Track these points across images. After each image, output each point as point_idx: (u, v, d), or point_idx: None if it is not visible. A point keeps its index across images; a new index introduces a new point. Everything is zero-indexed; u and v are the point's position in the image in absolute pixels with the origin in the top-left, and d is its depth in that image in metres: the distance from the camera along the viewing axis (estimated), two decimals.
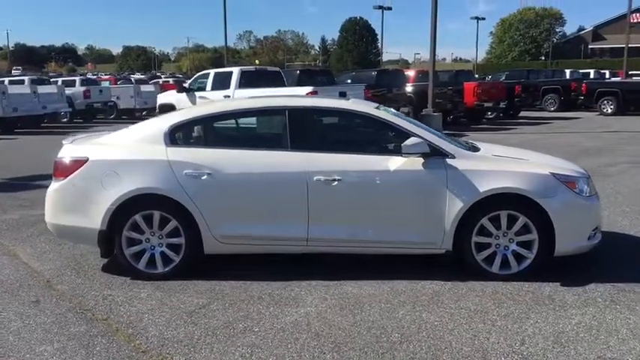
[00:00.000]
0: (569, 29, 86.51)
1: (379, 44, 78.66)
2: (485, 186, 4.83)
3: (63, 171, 5.20)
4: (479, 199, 4.84)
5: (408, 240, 5.01)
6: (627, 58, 60.69)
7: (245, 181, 4.99)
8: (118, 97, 26.00)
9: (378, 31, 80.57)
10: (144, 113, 27.70)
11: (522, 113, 24.00)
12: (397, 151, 4.97)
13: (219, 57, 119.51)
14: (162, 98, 17.00)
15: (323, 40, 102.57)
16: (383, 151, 5.11)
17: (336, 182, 4.90)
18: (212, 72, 15.98)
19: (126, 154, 5.14)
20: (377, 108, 5.40)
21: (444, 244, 4.96)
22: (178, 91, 16.06)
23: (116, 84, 30.01)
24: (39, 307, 4.58)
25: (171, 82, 37.41)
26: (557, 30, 78.95)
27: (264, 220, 5.04)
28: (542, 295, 4.62)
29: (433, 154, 4.91)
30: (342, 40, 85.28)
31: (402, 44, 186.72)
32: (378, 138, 5.28)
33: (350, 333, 4.02)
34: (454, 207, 4.86)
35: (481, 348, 3.77)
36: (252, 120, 5.62)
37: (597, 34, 77.14)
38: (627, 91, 23.45)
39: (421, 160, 4.91)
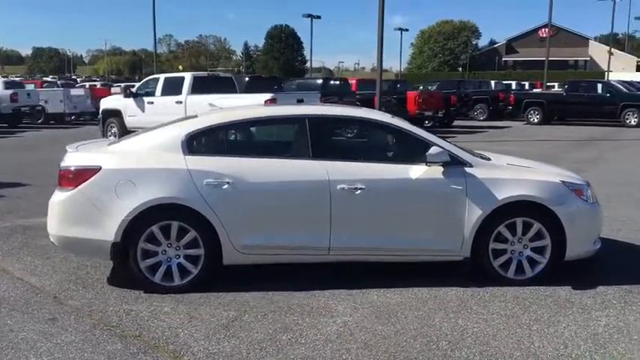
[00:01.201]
0: (484, 42, 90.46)
1: (305, 52, 79.22)
2: (503, 194, 5.01)
3: (71, 180, 4.95)
4: (497, 206, 5.00)
5: (428, 248, 5.11)
6: (539, 70, 64.00)
7: (267, 190, 4.93)
8: (46, 101, 24.79)
9: (303, 39, 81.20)
10: (72, 118, 26.61)
11: (455, 122, 24.89)
12: (417, 160, 5.06)
13: (138, 60, 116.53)
14: (107, 103, 16.38)
15: (246, 46, 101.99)
16: (403, 159, 5.17)
17: (359, 191, 4.93)
18: (162, 77, 15.56)
19: (141, 162, 4.96)
20: (392, 117, 5.49)
21: (462, 251, 5.09)
22: (125, 96, 15.53)
23: (42, 87, 28.58)
24: (59, 325, 4.33)
25: (98, 85, 36.24)
26: (473, 42, 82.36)
27: (286, 230, 4.99)
28: (560, 299, 4.83)
29: (453, 163, 5.05)
30: (268, 47, 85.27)
31: (324, 53, 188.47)
32: (398, 147, 5.35)
33: (397, 342, 4.06)
34: (473, 215, 5.00)
35: (530, 353, 3.89)
36: (272, 128, 5.57)
37: (510, 47, 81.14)
38: (551, 102, 24.84)
39: (441, 169, 5.02)
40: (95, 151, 5.16)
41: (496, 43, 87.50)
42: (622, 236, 6.76)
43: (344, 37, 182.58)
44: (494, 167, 5.25)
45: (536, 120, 24.85)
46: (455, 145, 5.41)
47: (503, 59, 79.41)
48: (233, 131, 5.29)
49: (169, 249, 4.96)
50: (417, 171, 5.03)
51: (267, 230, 4.97)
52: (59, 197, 5.00)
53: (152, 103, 15.10)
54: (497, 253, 5.12)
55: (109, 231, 4.85)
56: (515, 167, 5.40)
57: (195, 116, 5.37)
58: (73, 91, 26.27)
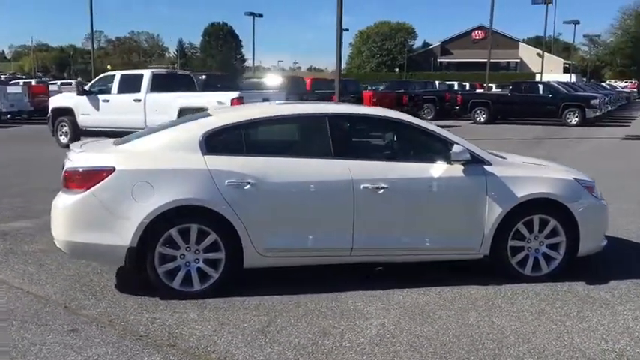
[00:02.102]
0: (420, 43, 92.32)
1: (243, 51, 78.54)
2: (522, 192, 5.07)
3: (81, 182, 4.66)
4: (516, 204, 5.06)
5: (450, 246, 5.11)
6: (473, 71, 65.74)
7: (290, 190, 4.80)
8: None
9: (241, 37, 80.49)
10: (9, 117, 25.31)
11: None
12: (438, 159, 5.06)
13: (66, 57, 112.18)
14: (57, 101, 15.66)
15: (180, 43, 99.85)
16: (424, 158, 5.14)
17: (382, 190, 4.87)
18: (118, 74, 14.99)
19: (158, 163, 4.72)
20: (410, 116, 5.46)
21: (482, 248, 5.12)
22: (79, 94, 14.87)
23: None
24: (83, 337, 4.05)
25: (33, 82, 34.62)
26: (409, 43, 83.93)
27: (309, 231, 4.88)
28: (580, 294, 4.93)
29: (473, 162, 5.07)
30: (206, 45, 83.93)
31: (261, 51, 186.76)
32: (419, 145, 5.32)
33: (442, 342, 4.02)
34: (493, 212, 5.04)
35: (576, 349, 3.93)
36: (291, 127, 5.42)
37: (445, 48, 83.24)
38: (497, 102, 25.60)
39: (461, 167, 5.04)
40: (106, 151, 4.88)
41: (431, 44, 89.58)
42: None
43: (281, 36, 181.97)
44: (512, 165, 5.32)
45: (482, 119, 25.53)
46: (472, 144, 5.44)
47: (439, 60, 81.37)
48: (252, 130, 5.12)
49: (188, 253, 4.75)
50: (438, 170, 5.02)
51: (289, 232, 4.84)
52: (67, 200, 4.69)
53: (108, 101, 14.54)
54: (514, 250, 5.18)
55: (124, 235, 4.59)
56: (531, 165, 5.49)
57: (210, 115, 5.16)
58: (10, 89, 24.99)
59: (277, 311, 4.53)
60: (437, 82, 31.87)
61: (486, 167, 5.10)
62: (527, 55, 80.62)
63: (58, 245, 4.86)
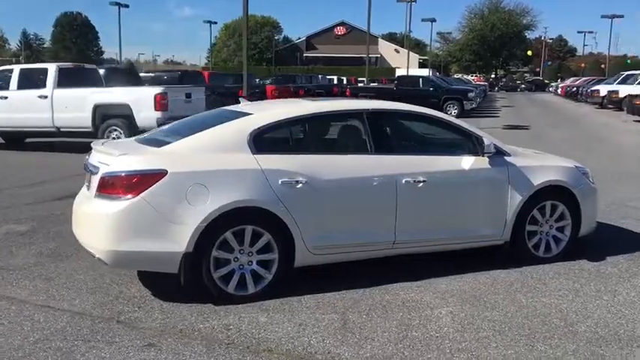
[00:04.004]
0: (286, 38, 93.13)
1: (100, 42, 74.41)
2: (538, 179, 5.48)
3: (129, 187, 4.35)
4: (534, 191, 5.47)
5: (479, 234, 5.40)
6: (338, 66, 67.54)
7: (339, 187, 4.81)
8: None
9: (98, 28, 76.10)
10: None
11: None
12: (466, 151, 5.32)
13: None
14: None
15: (25, 34, 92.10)
16: (455, 151, 5.35)
17: (421, 184, 5.04)
18: (16, 68, 13.67)
19: (211, 164, 4.52)
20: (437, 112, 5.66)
21: (504, 235, 5.46)
22: None
23: None
24: (167, 350, 3.81)
25: None
26: (276, 38, 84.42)
27: (355, 226, 4.92)
28: (594, 271, 5.40)
29: (497, 153, 5.40)
30: (58, 36, 78.23)
31: (117, 43, 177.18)
32: (449, 139, 5.51)
33: (518, 324, 4.24)
34: (515, 200, 5.40)
35: (635, 320, 4.36)
36: (331, 123, 5.38)
37: (310, 43, 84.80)
38: (384, 95, 26.64)
39: (487, 159, 5.34)
40: (153, 154, 4.57)
41: (292, 40, 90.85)
42: None
43: (141, 29, 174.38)
44: (526, 156, 5.72)
45: None
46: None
47: (305, 55, 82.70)
48: (296, 127, 5.04)
49: (241, 255, 4.61)
50: (468, 162, 5.28)
51: (338, 228, 4.85)
52: (112, 207, 4.35)
53: (6, 98, 13.28)
54: (530, 234, 5.59)
55: (180, 241, 4.36)
56: (540, 155, 5.94)
57: (249, 113, 4.99)
58: None
59: (341, 308, 4.54)
60: (320, 76, 32.48)
61: (507, 158, 5.45)
62: (386, 50, 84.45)
63: (99, 257, 4.48)
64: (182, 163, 4.47)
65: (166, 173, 4.36)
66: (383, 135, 5.19)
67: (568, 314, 4.46)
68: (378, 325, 4.23)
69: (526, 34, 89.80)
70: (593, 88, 36.04)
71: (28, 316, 4.33)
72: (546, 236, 5.67)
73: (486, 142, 5.25)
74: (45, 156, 13.41)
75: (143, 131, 12.20)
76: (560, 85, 55.17)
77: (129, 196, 4.33)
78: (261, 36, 79.93)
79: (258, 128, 4.75)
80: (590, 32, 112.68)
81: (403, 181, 4.97)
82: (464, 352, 3.84)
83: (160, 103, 12.32)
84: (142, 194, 4.32)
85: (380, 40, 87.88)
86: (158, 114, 12.33)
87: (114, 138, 12.76)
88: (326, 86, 28.70)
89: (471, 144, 5.35)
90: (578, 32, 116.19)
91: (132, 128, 12.52)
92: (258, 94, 18.64)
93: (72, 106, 12.82)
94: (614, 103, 31.42)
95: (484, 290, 4.94)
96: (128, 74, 16.67)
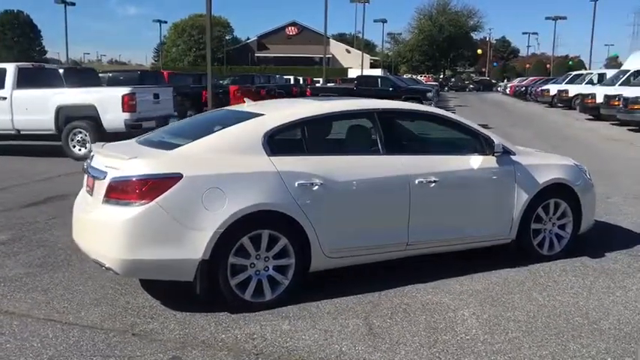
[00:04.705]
0: (236, 38, 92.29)
1: (43, 42, 71.97)
2: (543, 178, 5.51)
3: (142, 192, 4.12)
4: (539, 190, 5.49)
5: (487, 233, 5.38)
6: (290, 66, 67.36)
7: (354, 188, 4.70)
8: None
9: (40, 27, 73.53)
10: None
11: None
12: (474, 151, 5.29)
13: None
14: None
15: None
16: (463, 151, 5.31)
17: (433, 184, 4.99)
18: None
19: (227, 167, 4.33)
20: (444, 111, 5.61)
21: (511, 233, 5.47)
22: None
23: None
24: None
25: None
26: (226, 38, 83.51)
27: (370, 228, 4.82)
28: (597, 268, 5.46)
29: (504, 152, 5.39)
30: None
31: (61, 43, 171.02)
32: (458, 139, 5.45)
33: (544, 324, 4.22)
34: (521, 199, 5.41)
35: None
36: (342, 123, 5.24)
37: (261, 43, 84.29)
38: (343, 94, 26.69)
39: (494, 158, 5.32)
40: (165, 157, 4.34)
41: (242, 40, 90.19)
42: None
43: (83, 27, 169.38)
44: (530, 154, 5.74)
45: None
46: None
47: (256, 55, 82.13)
48: (309, 128, 4.88)
49: (258, 261, 4.44)
50: (476, 161, 5.25)
51: (353, 231, 4.74)
52: (124, 214, 4.12)
53: None
54: (535, 233, 5.61)
55: (197, 247, 4.16)
56: (541, 154, 5.97)
57: (261, 114, 4.82)
58: None
59: (362, 312, 4.43)
60: (277, 76, 32.26)
61: (512, 157, 5.46)
62: (338, 51, 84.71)
63: (110, 266, 4.23)
64: (197, 167, 4.27)
65: (181, 177, 4.16)
66: (394, 135, 5.11)
67: (588, 312, 4.48)
68: (405, 330, 4.14)
69: (472, 35, 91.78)
70: (543, 87, 37.11)
71: (34, 332, 4.05)
72: (550, 234, 5.70)
73: (496, 141, 5.24)
74: (5, 160, 12.77)
75: (111, 133, 11.91)
76: (508, 85, 56.56)
77: (142, 201, 4.10)
78: (212, 36, 78.87)
79: (273, 129, 4.59)
80: (534, 33, 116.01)
81: (416, 182, 4.91)
82: (499, 354, 3.79)
83: (128, 104, 11.91)
84: (157, 199, 4.10)
85: (331, 40, 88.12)
86: (126, 115, 11.93)
87: (79, 141, 12.31)
88: (285, 86, 28.51)
89: (478, 143, 5.33)
90: (523, 33, 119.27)
91: (98, 130, 12.08)
92: (220, 95, 18.26)
93: (33, 107, 12.27)
94: (563, 102, 32.44)
95: (498, 290, 4.92)
96: (88, 73, 16.04)
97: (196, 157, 4.37)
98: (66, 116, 12.26)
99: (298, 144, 4.78)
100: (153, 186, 4.12)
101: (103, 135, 12.12)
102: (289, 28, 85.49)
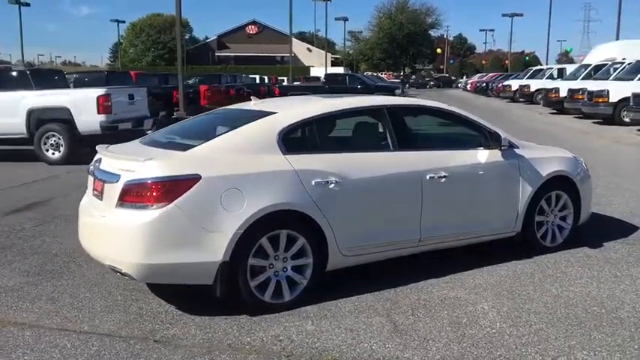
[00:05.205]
0: (196, 37, 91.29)
1: None
2: (546, 170, 5.57)
3: (160, 195, 4.00)
4: (542, 182, 5.56)
5: (495, 227, 5.41)
6: (251, 65, 66.81)
7: (369, 185, 4.67)
8: None
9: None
10: None
11: None
12: (481, 146, 5.31)
13: None
14: None
15: None
16: (470, 145, 5.31)
17: (443, 179, 4.99)
18: None
19: (244, 167, 4.24)
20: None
21: (516, 226, 5.52)
22: None
23: None
24: None
25: None
26: (186, 37, 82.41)
27: (384, 225, 4.80)
28: (599, 258, 5.55)
29: (509, 146, 5.44)
30: None
31: (8, 45, 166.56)
32: (465, 134, 5.46)
33: (565, 315, 4.26)
34: (526, 191, 5.46)
35: None
36: (355, 120, 5.19)
37: (222, 42, 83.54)
38: (314, 93, 26.66)
39: (499, 152, 5.36)
40: (182, 158, 4.21)
41: (200, 39, 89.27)
42: None
43: (36, 28, 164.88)
44: (532, 147, 5.79)
45: None
46: None
47: (217, 54, 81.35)
48: (322, 125, 4.81)
49: (276, 262, 4.37)
50: (482, 155, 5.27)
51: (368, 228, 4.71)
52: (141, 217, 3.99)
53: None
54: (538, 225, 5.68)
55: (217, 250, 4.07)
56: (542, 147, 6.04)
57: (275, 112, 4.73)
58: None
59: (382, 310, 4.40)
60: (243, 76, 32.01)
61: (516, 150, 5.51)
62: (299, 49, 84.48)
63: (124, 271, 4.10)
64: (215, 167, 4.17)
65: (200, 178, 4.06)
66: (404, 130, 5.10)
67: (603, 301, 4.55)
68: (430, 326, 4.13)
69: (431, 32, 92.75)
70: (505, 83, 37.84)
71: (50, 343, 3.90)
72: (552, 226, 5.78)
73: (503, 135, 5.28)
74: None
75: (87, 136, 11.58)
76: (469, 81, 57.44)
77: (160, 204, 3.99)
78: (171, 35, 77.73)
79: (287, 127, 4.52)
80: (491, 30, 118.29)
81: (427, 177, 4.90)
82: (528, 346, 3.81)
83: (104, 105, 11.60)
84: (175, 202, 3.99)
85: (293, 39, 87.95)
86: (102, 117, 11.63)
87: (52, 144, 11.96)
88: (253, 85, 28.28)
89: (484, 138, 5.36)
90: (481, 30, 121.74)
91: (72, 133, 11.76)
92: (191, 95, 18.00)
93: (2, 111, 11.85)
94: (525, 96, 33.15)
95: (511, 283, 4.96)
96: (55, 74, 15.58)
97: (213, 157, 4.27)
98: (38, 119, 11.88)
99: (312, 142, 4.72)
100: (171, 188, 4.00)
101: (77, 138, 11.83)
102: (250, 27, 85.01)
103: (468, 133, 5.42)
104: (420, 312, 4.37)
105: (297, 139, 4.59)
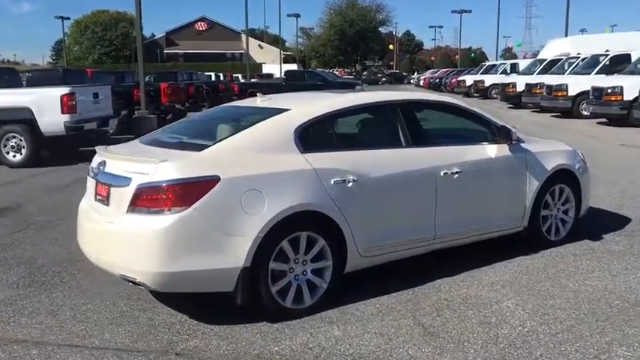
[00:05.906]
0: (144, 34, 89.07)
1: None
2: (550, 164, 5.54)
3: (178, 198, 3.74)
4: (547, 176, 5.52)
5: (505, 222, 5.33)
6: (201, 62, 65.76)
7: (386, 183, 4.51)
8: None
9: None
10: None
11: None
12: (490, 141, 5.24)
13: None
14: None
15: None
16: (480, 140, 5.22)
17: (456, 175, 4.88)
18: None
19: (263, 167, 4.01)
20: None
21: (523, 221, 5.47)
22: None
23: None
24: None
25: None
26: (132, 34, 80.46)
27: (401, 224, 4.66)
28: (603, 250, 5.55)
29: (517, 140, 5.38)
30: None
31: None
32: (474, 129, 5.35)
33: (590, 310, 4.21)
34: (532, 186, 5.41)
35: None
36: (368, 116, 5.00)
37: (170, 39, 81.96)
38: (273, 90, 26.26)
39: (507, 146, 5.30)
40: (199, 159, 3.95)
41: (151, 35, 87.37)
42: None
43: None
44: (536, 142, 5.74)
45: None
46: None
47: (165, 52, 79.76)
48: (336, 122, 4.60)
49: (296, 265, 4.17)
50: (492, 150, 5.20)
51: (385, 228, 4.56)
52: (158, 223, 3.72)
53: None
54: (543, 219, 5.65)
55: (238, 254, 3.84)
56: (544, 141, 6.01)
57: (288, 109, 4.51)
58: None
59: (406, 312, 4.25)
60: (199, 73, 31.42)
61: (523, 145, 5.45)
62: (251, 46, 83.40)
63: (139, 280, 3.82)
64: (233, 168, 3.92)
65: (219, 180, 3.81)
66: (417, 126, 4.97)
67: (623, 295, 4.52)
68: (461, 327, 4.00)
69: (381, 29, 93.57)
70: (459, 78, 38.36)
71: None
72: (555, 219, 5.76)
73: (513, 129, 5.22)
74: None
75: (50, 137, 11.05)
76: (422, 77, 58.05)
77: (178, 208, 3.73)
78: (117, 32, 75.78)
79: (303, 124, 4.32)
80: (440, 27, 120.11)
81: (441, 174, 4.79)
82: (566, 344, 3.73)
83: (68, 104, 11.07)
84: (194, 205, 3.74)
85: (243, 35, 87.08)
86: (66, 117, 11.09)
87: (13, 146, 11.36)
88: (210, 83, 27.76)
89: (492, 132, 5.29)
90: (430, 27, 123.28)
91: (34, 135, 11.19)
92: (152, 93, 17.42)
93: None
94: (480, 91, 33.71)
95: (527, 279, 4.89)
96: (8, 72, 14.83)
97: (230, 157, 4.03)
98: None
99: (328, 139, 4.52)
100: (189, 191, 3.75)
101: (40, 140, 11.28)
102: (199, 23, 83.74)
103: (478, 128, 5.33)
104: (446, 312, 4.24)
105: (313, 136, 4.38)
